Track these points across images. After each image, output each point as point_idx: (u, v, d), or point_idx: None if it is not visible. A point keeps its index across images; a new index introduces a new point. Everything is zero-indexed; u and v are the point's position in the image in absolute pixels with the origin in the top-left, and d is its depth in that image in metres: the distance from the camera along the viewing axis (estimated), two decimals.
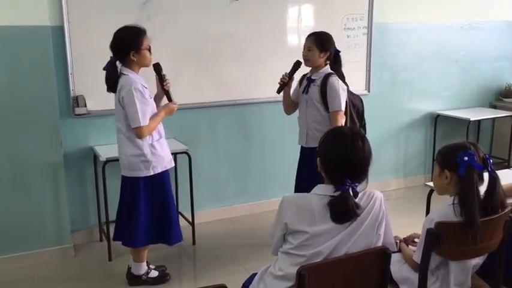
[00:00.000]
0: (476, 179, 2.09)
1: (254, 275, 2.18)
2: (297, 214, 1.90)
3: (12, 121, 3.40)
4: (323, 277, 1.89)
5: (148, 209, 3.17)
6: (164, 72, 3.20)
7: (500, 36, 5.48)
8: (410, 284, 2.20)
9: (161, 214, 3.22)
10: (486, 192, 2.14)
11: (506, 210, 2.17)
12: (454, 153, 2.13)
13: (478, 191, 2.09)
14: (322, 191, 1.93)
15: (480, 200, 2.09)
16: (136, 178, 3.11)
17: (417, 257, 2.14)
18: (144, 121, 2.98)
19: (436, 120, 5.26)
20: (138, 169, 3.08)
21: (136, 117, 2.96)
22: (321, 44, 3.36)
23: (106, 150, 3.60)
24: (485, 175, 2.14)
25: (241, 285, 2.25)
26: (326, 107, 3.37)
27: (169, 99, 3.24)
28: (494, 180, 2.14)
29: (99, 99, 3.62)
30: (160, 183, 3.18)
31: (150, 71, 3.17)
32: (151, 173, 3.11)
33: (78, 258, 3.73)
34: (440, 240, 2.04)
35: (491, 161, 2.16)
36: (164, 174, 3.20)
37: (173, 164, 3.30)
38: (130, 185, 3.14)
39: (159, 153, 3.12)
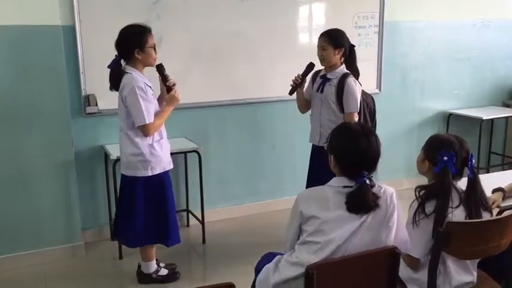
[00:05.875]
0: (449, 180, 2.13)
1: (267, 254, 2.27)
2: (311, 202, 1.99)
3: (23, 120, 3.43)
4: (331, 276, 1.89)
5: (146, 209, 3.15)
6: (171, 72, 3.17)
7: None
8: (417, 282, 2.18)
9: (159, 215, 3.19)
10: (465, 192, 2.17)
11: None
12: (437, 149, 2.18)
13: (448, 191, 2.12)
14: (337, 183, 2.00)
15: (448, 199, 2.11)
16: (135, 177, 3.10)
17: (413, 251, 2.13)
18: (149, 118, 2.97)
19: (449, 119, 5.21)
20: (136, 168, 3.07)
21: (141, 115, 2.95)
22: (334, 40, 3.33)
23: (116, 149, 3.59)
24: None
25: (254, 267, 2.32)
26: (341, 107, 3.35)
27: (168, 91, 3.14)
28: (473, 181, 2.17)
29: (110, 98, 3.62)
30: (159, 184, 3.15)
31: (154, 72, 3.17)
32: (150, 174, 3.09)
33: (89, 256, 3.76)
34: (449, 240, 2.03)
35: (473, 161, 2.18)
36: (163, 176, 3.17)
37: (172, 166, 3.25)
38: (129, 184, 3.14)
39: (158, 154, 3.10)
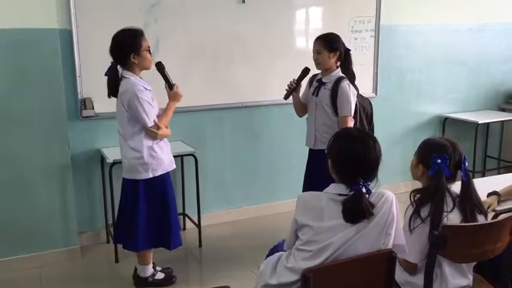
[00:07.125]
0: (444, 183, 2.14)
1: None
2: (306, 210, 1.97)
3: (20, 123, 3.42)
4: (328, 280, 1.89)
5: (148, 212, 3.16)
6: (169, 71, 3.17)
7: (509, 39, 5.44)
8: (413, 286, 2.19)
9: (161, 217, 3.20)
10: (459, 196, 2.18)
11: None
12: (430, 152, 2.19)
13: (442, 194, 2.13)
14: (334, 190, 1.97)
15: (443, 202, 2.12)
16: (137, 181, 3.10)
17: (410, 256, 2.13)
18: (153, 120, 3.01)
19: (444, 123, 5.23)
20: (138, 172, 3.08)
21: (148, 117, 2.98)
22: (329, 44, 3.34)
23: (113, 152, 3.61)
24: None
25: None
26: (335, 111, 3.35)
27: (170, 87, 3.18)
28: (466, 184, 2.18)
29: (106, 101, 3.61)
30: (161, 186, 3.16)
31: (152, 76, 3.17)
32: (151, 176, 3.09)
33: (85, 259, 3.75)
34: (446, 243, 2.03)
35: (466, 164, 2.19)
36: (165, 177, 3.18)
37: (174, 166, 3.27)
38: (130, 187, 3.14)
39: (159, 155, 3.10)
